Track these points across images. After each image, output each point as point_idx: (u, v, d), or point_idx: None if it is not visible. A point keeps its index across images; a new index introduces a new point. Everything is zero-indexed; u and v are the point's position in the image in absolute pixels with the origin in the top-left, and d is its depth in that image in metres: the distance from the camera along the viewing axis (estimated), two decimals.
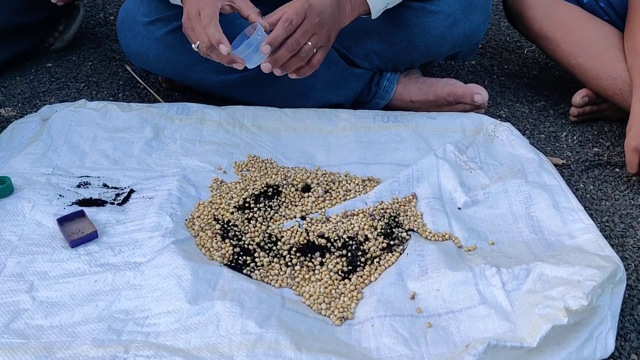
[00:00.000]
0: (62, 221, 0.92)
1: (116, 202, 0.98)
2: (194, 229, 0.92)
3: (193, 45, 0.98)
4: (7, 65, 1.37)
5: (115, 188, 1.01)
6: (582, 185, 1.10)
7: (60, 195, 0.98)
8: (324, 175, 1.06)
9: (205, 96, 1.27)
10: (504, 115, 1.31)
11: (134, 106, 1.18)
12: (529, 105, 1.35)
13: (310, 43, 0.97)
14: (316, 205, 0.99)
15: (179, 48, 1.16)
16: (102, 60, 1.47)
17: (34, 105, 1.27)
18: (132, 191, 1.00)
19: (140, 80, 1.32)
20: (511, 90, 1.40)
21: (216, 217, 0.95)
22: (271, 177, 1.04)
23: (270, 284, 0.84)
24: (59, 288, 0.81)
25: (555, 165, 1.14)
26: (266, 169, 1.07)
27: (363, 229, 0.93)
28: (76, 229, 0.91)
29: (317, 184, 1.03)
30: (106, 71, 1.42)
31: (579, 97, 1.22)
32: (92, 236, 0.90)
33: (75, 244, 0.88)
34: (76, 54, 1.48)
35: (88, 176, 1.03)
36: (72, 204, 0.96)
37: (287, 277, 0.85)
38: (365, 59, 1.23)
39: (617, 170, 1.15)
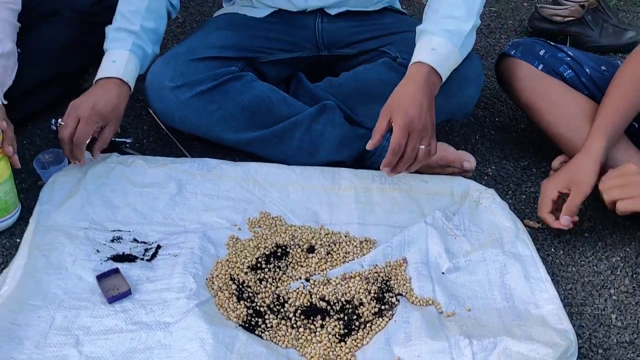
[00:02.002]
0: (100, 278, 1.07)
1: (145, 258, 1.13)
2: (213, 289, 1.07)
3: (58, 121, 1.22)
4: (42, 110, 1.50)
5: (144, 243, 1.16)
6: (553, 250, 1.25)
7: (97, 251, 1.12)
8: (326, 235, 1.21)
9: (222, 147, 1.41)
10: (490, 174, 1.45)
11: (160, 161, 1.33)
12: (514, 163, 1.49)
13: (422, 147, 1.13)
14: (319, 267, 1.14)
15: (202, 111, 1.30)
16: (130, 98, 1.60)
17: None
18: (159, 247, 1.15)
19: (165, 129, 1.45)
20: (499, 147, 1.54)
21: (232, 276, 1.10)
22: (280, 236, 1.19)
23: (277, 344, 1.00)
24: (101, 344, 0.96)
25: (532, 228, 1.29)
26: (276, 226, 1.22)
27: (359, 292, 1.08)
28: (112, 285, 1.06)
29: (320, 245, 1.18)
30: (131, 113, 1.55)
31: (557, 162, 1.36)
32: (127, 294, 1.05)
33: (112, 300, 1.04)
34: None
35: (120, 230, 1.18)
36: (108, 260, 1.11)
37: (292, 339, 1.01)
38: (369, 120, 1.36)
39: (586, 235, 1.29)
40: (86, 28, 1.56)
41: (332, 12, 1.44)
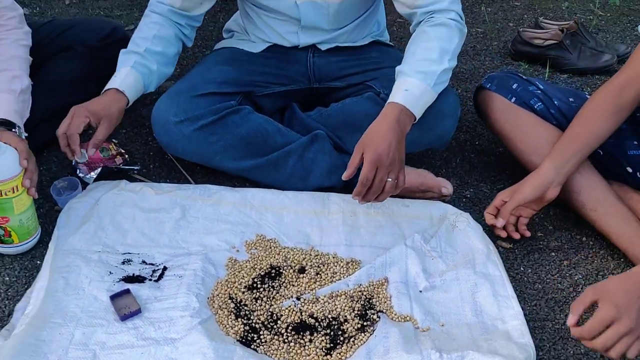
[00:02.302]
0: (113, 297, 1.20)
1: (153, 279, 1.26)
2: (214, 307, 1.20)
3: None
4: (56, 138, 1.63)
5: (152, 264, 1.29)
6: (522, 269, 1.38)
7: (110, 272, 1.26)
8: (316, 257, 1.34)
9: (222, 173, 1.54)
10: (468, 196, 1.57)
11: (165, 188, 1.46)
12: (490, 185, 1.61)
13: (389, 180, 1.26)
14: (309, 286, 1.27)
15: (203, 143, 1.43)
16: (134, 126, 1.74)
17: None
18: (165, 268, 1.29)
19: (171, 157, 1.58)
20: (478, 170, 1.66)
21: (231, 295, 1.23)
22: (274, 258, 1.32)
23: (271, 357, 1.13)
24: (115, 358, 1.10)
25: (504, 248, 1.42)
26: (270, 248, 1.35)
27: (344, 309, 1.21)
28: (124, 304, 1.19)
29: (311, 266, 1.31)
30: (138, 140, 1.69)
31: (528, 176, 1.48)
32: (137, 312, 1.18)
33: (124, 318, 1.17)
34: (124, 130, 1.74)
35: (130, 253, 1.31)
36: (120, 280, 1.24)
37: (284, 352, 1.14)
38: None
39: (553, 254, 1.42)
40: (96, 61, 1.69)
41: (323, 47, 1.57)
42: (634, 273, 1.12)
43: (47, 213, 1.43)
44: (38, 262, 1.31)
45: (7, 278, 1.27)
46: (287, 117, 1.60)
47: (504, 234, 1.41)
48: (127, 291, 1.21)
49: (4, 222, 1.26)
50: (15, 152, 1.26)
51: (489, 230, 1.44)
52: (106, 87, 1.46)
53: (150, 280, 1.26)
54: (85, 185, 1.48)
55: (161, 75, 1.53)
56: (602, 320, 1.02)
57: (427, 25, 1.37)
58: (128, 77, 1.45)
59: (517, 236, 1.42)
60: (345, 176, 1.27)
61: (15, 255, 1.32)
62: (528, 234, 1.42)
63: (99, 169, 1.50)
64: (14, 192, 1.24)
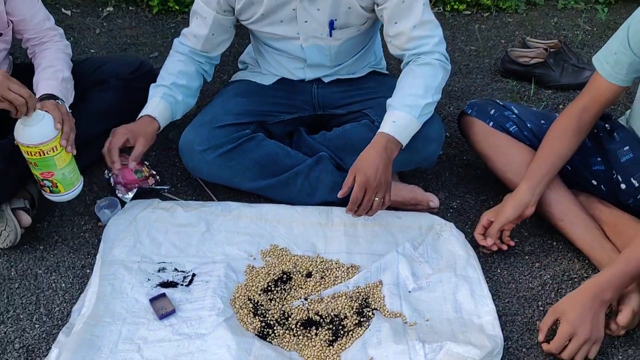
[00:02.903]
0: (152, 300, 1.45)
1: (184, 284, 1.50)
2: (235, 307, 1.44)
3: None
4: (96, 161, 1.87)
5: (183, 272, 1.54)
6: (498, 271, 1.60)
7: (148, 279, 1.50)
8: (321, 263, 1.57)
9: (241, 191, 1.78)
10: (455, 207, 1.80)
11: (192, 205, 1.70)
12: (475, 197, 1.83)
13: (377, 199, 1.49)
14: (315, 289, 1.50)
15: (224, 167, 1.67)
16: (162, 149, 1.98)
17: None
18: (194, 275, 1.53)
19: (198, 178, 1.82)
20: (464, 182, 1.89)
21: (249, 297, 1.47)
22: (285, 264, 1.56)
23: (283, 348, 1.37)
24: (156, 350, 1.34)
25: (484, 254, 1.64)
26: (282, 256, 1.59)
27: (344, 308, 1.45)
28: (161, 306, 1.44)
29: (316, 271, 1.54)
30: (167, 161, 1.93)
31: (507, 196, 1.70)
32: (172, 312, 1.42)
33: (162, 317, 1.41)
34: (154, 152, 1.99)
35: (164, 262, 1.56)
36: (157, 286, 1.49)
37: (294, 344, 1.38)
38: None
39: (526, 257, 1.64)
40: (127, 92, 1.92)
41: (326, 80, 1.80)
42: (587, 288, 1.36)
43: (93, 229, 1.69)
44: (88, 271, 1.56)
45: (64, 284, 1.52)
46: (295, 140, 1.83)
47: (495, 248, 1.61)
48: (163, 295, 1.46)
49: (50, 176, 1.52)
50: (52, 118, 1.51)
51: (471, 238, 1.66)
52: (140, 115, 1.71)
53: (182, 285, 1.50)
54: (123, 204, 1.73)
55: (186, 106, 1.77)
56: (563, 337, 1.33)
57: (415, 65, 1.59)
58: (158, 105, 1.70)
59: (504, 247, 1.63)
60: (340, 195, 1.51)
61: (69, 265, 1.57)
62: (512, 243, 1.64)
63: (135, 189, 1.75)
64: (53, 151, 1.50)
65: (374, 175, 1.46)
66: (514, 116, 1.73)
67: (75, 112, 1.79)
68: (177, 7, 2.82)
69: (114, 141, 1.63)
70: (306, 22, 1.63)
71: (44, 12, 1.82)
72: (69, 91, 1.72)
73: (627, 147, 1.63)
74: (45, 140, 1.47)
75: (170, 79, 1.73)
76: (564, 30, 2.82)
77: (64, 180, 1.55)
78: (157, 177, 1.83)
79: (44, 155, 1.48)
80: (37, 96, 1.61)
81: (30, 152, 1.47)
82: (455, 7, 2.98)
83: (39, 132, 1.46)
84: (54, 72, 1.70)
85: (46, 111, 1.52)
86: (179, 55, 1.77)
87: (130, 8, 2.87)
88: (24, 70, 1.81)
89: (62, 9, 2.80)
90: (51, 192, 1.56)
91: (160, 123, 1.70)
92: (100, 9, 2.85)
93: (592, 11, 2.98)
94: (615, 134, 1.67)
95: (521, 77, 2.41)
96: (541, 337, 1.37)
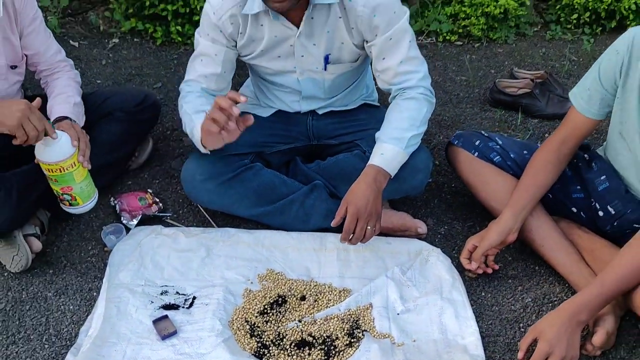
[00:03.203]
0: (155, 322, 1.54)
1: (185, 307, 1.59)
2: (233, 329, 1.53)
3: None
4: (102, 189, 1.97)
5: (184, 295, 1.63)
6: (482, 294, 1.69)
7: (151, 302, 1.59)
8: (315, 287, 1.66)
9: (239, 217, 1.87)
10: (443, 232, 1.89)
11: (193, 231, 1.80)
12: (462, 223, 1.93)
13: (369, 228, 1.58)
14: (308, 311, 1.59)
15: (224, 195, 1.77)
16: (165, 177, 2.08)
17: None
18: (194, 298, 1.62)
19: (198, 205, 1.92)
20: (452, 209, 1.98)
21: (247, 319, 1.56)
22: (281, 288, 1.65)
23: None
24: None
25: (470, 278, 1.73)
26: (278, 280, 1.68)
27: (336, 329, 1.54)
28: (164, 327, 1.53)
29: (310, 294, 1.63)
30: (169, 189, 2.03)
31: (491, 223, 1.80)
32: (174, 333, 1.51)
33: (164, 338, 1.50)
34: (147, 172, 2.10)
35: (166, 285, 1.65)
36: (159, 308, 1.58)
37: None
38: None
39: (510, 281, 1.73)
40: (132, 124, 2.03)
41: (320, 112, 1.91)
42: (564, 309, 1.45)
43: (99, 253, 1.78)
44: (94, 293, 1.65)
45: (72, 307, 1.61)
46: (291, 169, 1.93)
47: (480, 271, 1.70)
48: (166, 317, 1.55)
49: (69, 190, 1.64)
50: (69, 136, 1.62)
51: (458, 263, 1.75)
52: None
53: (183, 307, 1.59)
54: (128, 230, 1.82)
55: None
56: (540, 355, 1.41)
57: (400, 99, 1.70)
58: None
59: (489, 271, 1.72)
60: (333, 224, 1.61)
61: (77, 289, 1.66)
62: (496, 267, 1.73)
63: (139, 216, 1.85)
64: (72, 167, 1.61)
65: (364, 206, 1.56)
66: (498, 147, 1.83)
67: None
68: (179, 39, 2.95)
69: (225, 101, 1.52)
70: (303, 56, 1.74)
71: (55, 45, 1.94)
72: (80, 114, 1.85)
73: (604, 177, 1.73)
74: (65, 158, 1.59)
75: (202, 107, 1.71)
76: (551, 61, 2.94)
77: (82, 193, 1.67)
78: (160, 204, 1.93)
79: (64, 171, 1.60)
80: (52, 119, 1.74)
81: (51, 169, 1.60)
82: (447, 37, 3.10)
83: (58, 151, 1.59)
84: (66, 98, 1.83)
85: (63, 130, 1.65)
86: (194, 94, 1.77)
87: (135, 40, 3.00)
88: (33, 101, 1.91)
89: (70, 41, 2.93)
90: (70, 205, 1.68)
91: None
92: (106, 41, 2.98)
93: (578, 42, 3.10)
94: (593, 163, 1.78)
95: (509, 106, 2.52)
96: (520, 355, 1.45)
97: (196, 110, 1.72)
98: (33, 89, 2.23)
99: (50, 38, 1.92)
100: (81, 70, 2.71)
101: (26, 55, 1.86)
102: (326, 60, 1.75)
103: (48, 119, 1.70)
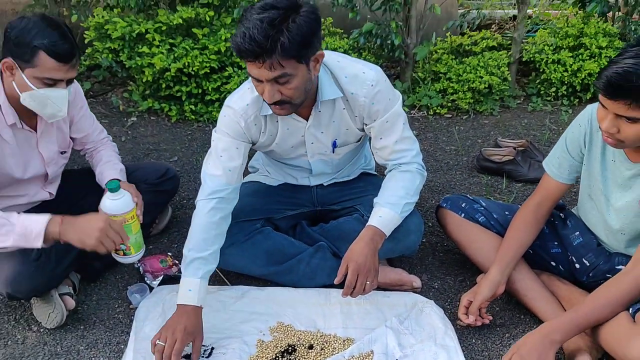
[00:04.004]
0: None
1: (205, 356, 1.76)
2: None
3: (155, 340, 1.67)
4: None
5: (204, 345, 1.79)
6: (473, 341, 1.86)
7: None
8: (321, 337, 1.84)
9: (251, 276, 2.07)
10: (436, 287, 2.08)
11: (210, 289, 1.98)
12: (454, 278, 2.12)
13: (368, 282, 1.77)
14: (316, 358, 1.76)
15: (237, 256, 1.97)
16: (183, 241, 2.26)
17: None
18: (213, 348, 1.79)
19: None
20: (445, 265, 2.18)
21: None
22: (290, 339, 1.82)
23: None
24: None
25: (461, 326, 1.90)
26: (288, 331, 1.86)
27: None
28: None
29: (317, 343, 1.81)
30: None
31: (479, 278, 1.99)
32: None
33: None
34: (166, 237, 2.31)
35: None
36: (182, 357, 1.75)
37: None
38: None
39: (498, 329, 1.90)
40: (155, 194, 2.26)
41: (326, 183, 2.14)
42: (540, 329, 1.64)
43: (125, 310, 1.96)
44: (122, 346, 1.82)
45: (102, 359, 1.78)
46: (297, 232, 2.14)
47: (479, 323, 1.87)
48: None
49: (127, 240, 1.77)
50: (130, 193, 1.82)
51: (450, 314, 1.93)
52: (185, 302, 1.72)
53: (203, 357, 1.76)
54: (151, 289, 2.02)
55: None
56: None
57: (397, 171, 1.93)
58: (201, 290, 1.74)
59: (486, 322, 1.88)
60: (335, 282, 1.80)
61: (106, 342, 1.83)
62: (490, 318, 1.90)
63: (161, 277, 2.04)
64: (132, 219, 1.80)
65: (364, 263, 1.76)
66: (482, 208, 2.05)
67: None
68: (192, 117, 3.23)
69: (177, 350, 1.65)
70: (312, 143, 1.96)
71: (99, 125, 2.23)
72: (124, 178, 2.13)
73: (578, 233, 1.94)
74: (128, 210, 1.78)
75: (208, 247, 1.80)
76: (533, 130, 3.21)
77: (136, 244, 1.84)
78: (179, 265, 2.12)
79: (126, 222, 1.78)
80: (105, 181, 2.04)
81: (126, 219, 1.80)
82: (437, 111, 3.39)
83: (123, 204, 1.77)
84: (113, 165, 2.13)
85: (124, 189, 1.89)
86: (212, 203, 1.84)
87: (152, 118, 3.29)
88: (66, 175, 2.16)
89: None
90: (124, 254, 1.83)
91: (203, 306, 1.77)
92: (125, 119, 3.27)
93: (557, 112, 3.39)
94: (568, 221, 1.99)
95: (494, 172, 2.76)
96: None
97: (193, 258, 1.78)
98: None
99: (95, 120, 2.20)
100: None
101: (73, 139, 2.12)
102: (334, 145, 1.97)
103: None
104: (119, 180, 1.99)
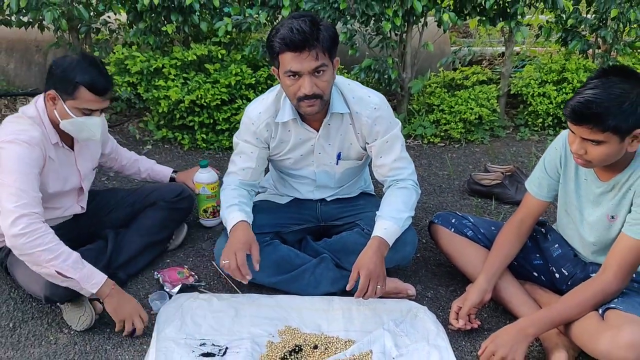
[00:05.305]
0: None
1: (219, 355, 1.95)
2: None
3: (222, 262, 2.02)
4: (147, 266, 2.38)
5: (218, 346, 1.99)
6: (463, 343, 2.05)
7: (192, 351, 1.95)
8: (325, 339, 2.02)
9: (260, 285, 2.26)
10: (429, 296, 2.28)
11: (224, 297, 2.19)
12: (446, 288, 2.32)
13: (379, 287, 1.98)
14: (320, 357, 1.95)
15: (250, 269, 2.17)
16: (197, 256, 2.50)
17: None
18: (227, 348, 1.98)
19: (224, 275, 2.32)
20: (437, 277, 2.38)
21: None
22: (297, 340, 2.01)
23: None
24: None
25: (452, 330, 2.09)
26: (295, 334, 2.05)
27: None
28: None
29: (321, 344, 1.99)
30: (201, 265, 2.44)
31: (468, 287, 2.19)
32: None
33: None
34: (182, 252, 2.51)
35: (204, 339, 2.01)
36: (199, 356, 1.94)
37: None
38: (349, 266, 2.21)
39: (485, 333, 2.09)
40: (171, 211, 2.49)
41: (329, 199, 2.36)
42: (516, 323, 1.86)
43: (147, 315, 2.16)
44: (145, 347, 2.01)
45: (127, 356, 1.97)
46: (303, 245, 2.35)
47: (468, 327, 2.06)
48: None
49: (218, 203, 2.41)
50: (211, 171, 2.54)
51: (444, 319, 2.12)
52: (232, 223, 2.10)
53: (218, 355, 1.95)
54: (170, 296, 2.21)
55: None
56: (487, 353, 1.84)
57: (395, 188, 2.17)
58: (245, 212, 2.13)
59: (475, 326, 2.08)
60: (348, 287, 2.00)
61: (131, 343, 2.02)
62: (479, 323, 2.10)
63: (179, 286, 2.24)
64: (217, 186, 2.53)
65: (374, 268, 1.97)
66: (470, 224, 2.26)
67: (132, 227, 2.36)
68: (204, 145, 3.47)
69: (239, 259, 1.99)
70: (320, 153, 2.21)
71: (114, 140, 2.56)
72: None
73: (557, 245, 2.16)
74: (214, 180, 2.60)
75: (235, 200, 2.18)
76: (520, 157, 3.44)
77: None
78: (195, 276, 2.33)
79: (218, 187, 2.53)
80: (170, 173, 2.67)
81: (214, 187, 2.59)
82: (431, 140, 3.63)
83: (211, 176, 2.59)
84: (148, 161, 2.68)
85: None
86: (230, 187, 2.23)
87: (166, 146, 3.52)
88: (93, 195, 2.40)
89: None
90: (219, 215, 2.45)
91: (249, 222, 2.13)
92: (141, 147, 3.50)
93: (543, 141, 3.62)
94: (548, 235, 2.20)
95: (484, 195, 2.98)
96: (480, 352, 1.88)
97: (228, 204, 2.16)
98: None
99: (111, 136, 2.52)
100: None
101: (103, 154, 2.43)
102: (338, 156, 2.22)
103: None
104: (207, 160, 2.64)
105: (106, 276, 2.00)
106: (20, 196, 1.91)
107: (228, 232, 2.12)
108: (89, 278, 1.95)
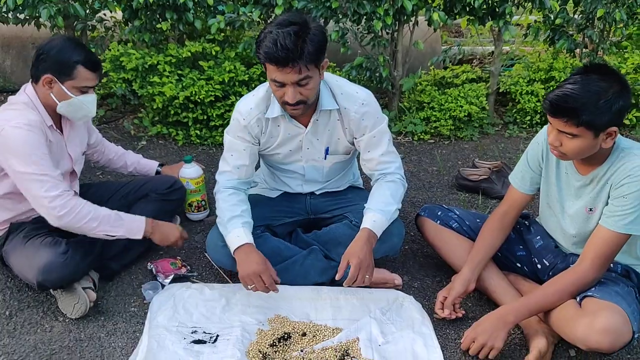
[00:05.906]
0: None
1: (211, 342, 2.01)
2: (249, 357, 1.94)
3: (248, 287, 2.06)
4: (139, 257, 2.44)
5: (210, 333, 2.05)
6: (447, 331, 2.11)
7: (184, 338, 2.01)
8: (314, 327, 2.08)
9: None
10: (416, 286, 2.34)
11: (215, 286, 2.25)
12: (432, 279, 2.38)
13: (367, 276, 2.03)
14: (309, 344, 2.01)
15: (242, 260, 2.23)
16: (189, 248, 2.55)
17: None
18: (218, 335, 2.04)
19: (217, 267, 2.38)
20: (424, 268, 2.44)
21: (260, 350, 1.97)
22: (286, 327, 2.07)
23: None
24: None
25: (437, 318, 2.16)
26: (284, 322, 2.11)
27: (330, 357, 1.95)
28: None
29: (310, 332, 2.05)
30: (194, 257, 2.49)
31: (454, 277, 2.25)
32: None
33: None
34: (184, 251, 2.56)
35: (195, 327, 2.07)
36: (190, 343, 1.99)
37: None
38: (337, 257, 2.27)
39: (470, 321, 2.15)
40: (163, 203, 2.54)
41: (317, 192, 2.42)
42: (497, 310, 1.94)
43: (140, 305, 2.21)
44: (138, 334, 2.06)
45: (121, 344, 2.02)
46: (293, 237, 2.41)
47: (453, 316, 2.13)
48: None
49: (203, 197, 2.68)
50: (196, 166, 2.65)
51: (430, 308, 2.18)
52: (239, 244, 2.08)
53: (209, 342, 2.01)
54: (163, 286, 2.27)
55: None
56: (467, 340, 1.93)
57: (383, 181, 2.22)
58: (246, 232, 2.11)
59: (459, 315, 2.14)
60: (337, 277, 2.06)
61: (124, 331, 2.07)
62: (463, 312, 2.16)
63: (171, 276, 2.30)
64: (202, 181, 2.68)
65: (364, 257, 2.03)
66: (456, 216, 2.32)
67: None
68: (198, 141, 3.52)
69: (266, 281, 2.03)
70: (308, 149, 2.26)
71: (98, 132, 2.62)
72: None
73: (539, 237, 2.22)
74: (199, 175, 2.68)
75: (237, 209, 2.16)
76: (508, 153, 3.51)
77: (207, 202, 2.67)
78: (188, 267, 2.38)
79: (202, 182, 2.67)
80: (155, 167, 2.75)
81: (198, 182, 2.67)
82: (421, 137, 3.69)
83: (196, 171, 2.67)
84: (135, 155, 2.75)
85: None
86: (227, 192, 2.22)
87: (160, 142, 3.57)
88: (85, 188, 2.46)
89: None
90: (204, 209, 2.72)
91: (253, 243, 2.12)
92: (136, 143, 3.55)
93: (531, 138, 3.65)
94: (531, 227, 2.27)
95: (471, 190, 3.05)
96: (462, 341, 1.97)
97: (229, 217, 2.13)
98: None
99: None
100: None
101: (88, 144, 2.47)
102: (326, 151, 2.28)
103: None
104: (192, 156, 2.73)
105: (143, 218, 2.24)
106: (44, 181, 2.03)
107: (231, 248, 2.12)
108: (132, 230, 2.20)
